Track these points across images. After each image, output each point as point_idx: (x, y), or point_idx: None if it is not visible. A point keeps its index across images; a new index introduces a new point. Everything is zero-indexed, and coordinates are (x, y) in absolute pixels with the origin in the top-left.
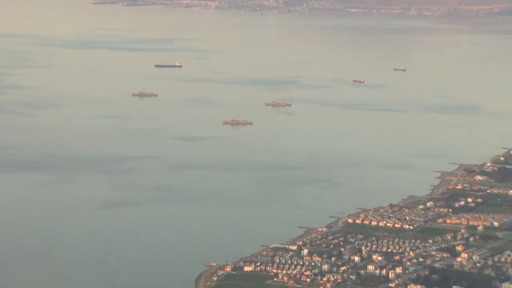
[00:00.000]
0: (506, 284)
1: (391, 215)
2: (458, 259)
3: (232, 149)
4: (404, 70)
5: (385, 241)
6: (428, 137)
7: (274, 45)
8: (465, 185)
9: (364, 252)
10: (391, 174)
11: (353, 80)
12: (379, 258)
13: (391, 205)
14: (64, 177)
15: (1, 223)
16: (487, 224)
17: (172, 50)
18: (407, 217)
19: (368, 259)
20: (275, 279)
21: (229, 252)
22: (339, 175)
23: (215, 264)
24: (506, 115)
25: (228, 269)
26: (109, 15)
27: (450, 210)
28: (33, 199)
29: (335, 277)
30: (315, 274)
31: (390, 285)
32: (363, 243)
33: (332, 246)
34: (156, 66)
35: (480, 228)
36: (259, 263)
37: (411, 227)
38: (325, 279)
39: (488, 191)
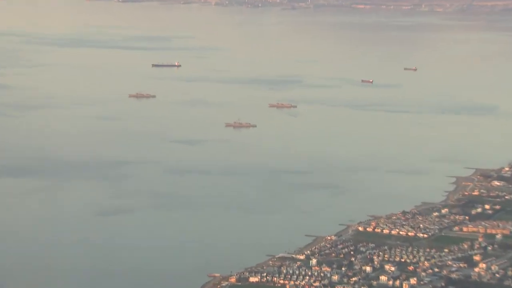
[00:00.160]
0: None
1: (404, 222)
2: (476, 269)
3: (235, 153)
4: (415, 70)
5: (398, 250)
6: (442, 140)
7: (277, 43)
8: (482, 191)
9: (376, 262)
10: (404, 179)
11: (362, 80)
12: (392, 268)
13: (404, 212)
14: (57, 183)
15: None
16: (506, 232)
17: (170, 48)
18: (421, 225)
19: (380, 269)
20: None
21: (233, 261)
22: (348, 180)
23: (218, 274)
24: None
25: (233, 280)
26: (105, 12)
27: (467, 217)
28: (25, 206)
29: None
30: (325, 285)
31: None
32: (375, 253)
33: (342, 256)
34: (154, 65)
35: (498, 236)
36: (265, 274)
37: (425, 235)
38: None
39: (506, 197)
